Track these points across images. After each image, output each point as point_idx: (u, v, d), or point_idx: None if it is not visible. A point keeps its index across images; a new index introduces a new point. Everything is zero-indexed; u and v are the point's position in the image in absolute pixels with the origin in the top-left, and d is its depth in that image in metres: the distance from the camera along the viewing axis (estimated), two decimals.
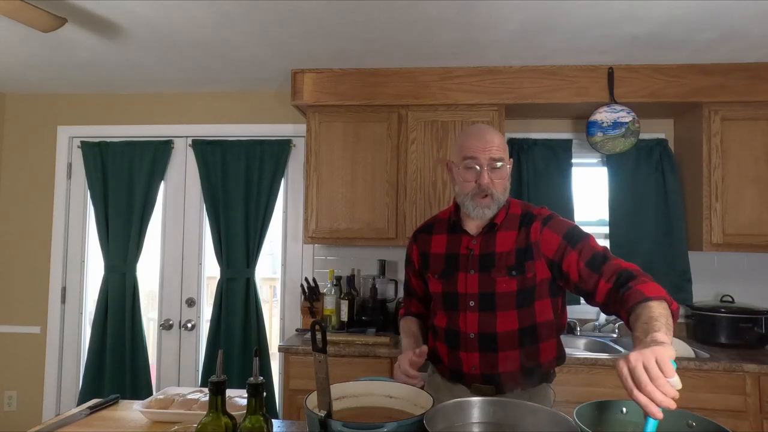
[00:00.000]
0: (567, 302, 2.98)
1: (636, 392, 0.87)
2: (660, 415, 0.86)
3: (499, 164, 1.40)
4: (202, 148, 3.18)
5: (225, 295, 3.08)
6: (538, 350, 1.44)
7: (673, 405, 0.85)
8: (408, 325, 1.65)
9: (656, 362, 0.87)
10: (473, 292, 1.43)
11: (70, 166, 3.33)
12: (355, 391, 1.27)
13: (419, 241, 1.62)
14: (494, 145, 1.40)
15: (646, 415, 0.87)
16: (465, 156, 1.42)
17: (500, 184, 1.42)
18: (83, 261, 3.31)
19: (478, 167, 1.40)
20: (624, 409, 1.06)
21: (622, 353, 2.44)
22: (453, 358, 1.48)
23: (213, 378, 1.03)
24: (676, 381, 0.87)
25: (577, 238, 1.37)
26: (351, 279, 2.96)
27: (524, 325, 1.42)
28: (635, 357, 0.89)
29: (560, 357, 1.52)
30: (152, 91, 3.28)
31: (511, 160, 1.48)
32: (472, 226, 1.50)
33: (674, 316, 1.11)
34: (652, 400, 0.85)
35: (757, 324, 2.52)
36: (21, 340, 3.27)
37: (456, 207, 1.53)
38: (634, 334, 1.04)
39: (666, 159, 2.88)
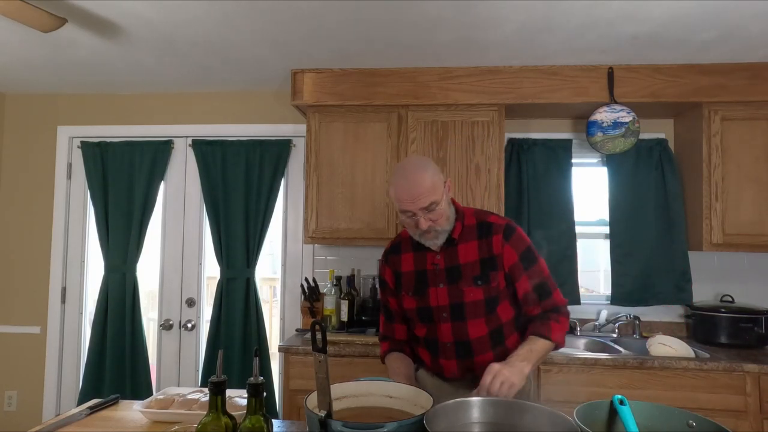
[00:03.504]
0: (569, 302, 2.96)
1: (483, 392, 1.25)
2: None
3: (432, 208, 1.41)
4: (202, 148, 3.17)
5: (225, 295, 3.08)
6: (507, 348, 1.49)
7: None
8: (395, 365, 1.58)
9: (508, 386, 1.22)
10: (444, 304, 1.50)
11: (70, 166, 3.33)
12: (355, 391, 1.28)
13: (390, 261, 1.65)
14: (421, 193, 1.39)
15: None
16: (400, 209, 1.45)
17: (440, 221, 1.45)
18: (83, 261, 3.30)
19: (414, 216, 1.43)
20: None
21: (622, 353, 2.45)
22: (435, 364, 1.58)
23: (213, 378, 1.03)
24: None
25: (531, 261, 1.48)
26: (351, 279, 2.96)
27: (492, 329, 1.49)
28: (499, 372, 1.25)
29: None
30: (152, 91, 3.28)
31: (448, 185, 1.48)
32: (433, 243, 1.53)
33: (557, 348, 1.44)
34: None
35: (757, 324, 2.52)
36: (21, 340, 3.27)
37: None
38: (515, 350, 1.38)
39: (666, 159, 2.88)
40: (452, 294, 1.49)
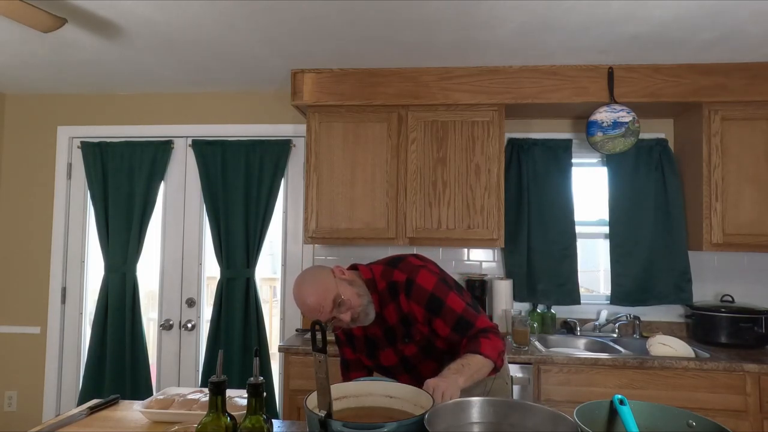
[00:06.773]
0: (567, 302, 2.96)
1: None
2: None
3: (339, 302, 1.42)
4: (202, 148, 3.17)
5: (225, 295, 3.08)
6: (458, 352, 1.49)
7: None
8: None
9: (449, 395, 1.20)
10: (394, 363, 1.59)
11: (70, 166, 3.33)
12: (355, 391, 1.28)
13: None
14: (317, 308, 1.40)
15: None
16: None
17: (354, 305, 1.45)
18: (83, 261, 3.30)
19: (332, 320, 1.46)
20: None
21: (622, 353, 2.45)
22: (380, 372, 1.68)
23: (213, 378, 1.03)
24: None
25: (438, 306, 1.48)
26: None
27: (440, 359, 1.53)
28: (437, 385, 1.22)
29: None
30: (152, 91, 3.28)
31: (339, 270, 1.49)
32: None
33: (497, 369, 1.43)
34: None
35: (757, 324, 2.52)
36: (21, 340, 3.27)
37: None
38: (449, 365, 1.35)
39: (666, 159, 2.88)
40: (396, 353, 1.57)
